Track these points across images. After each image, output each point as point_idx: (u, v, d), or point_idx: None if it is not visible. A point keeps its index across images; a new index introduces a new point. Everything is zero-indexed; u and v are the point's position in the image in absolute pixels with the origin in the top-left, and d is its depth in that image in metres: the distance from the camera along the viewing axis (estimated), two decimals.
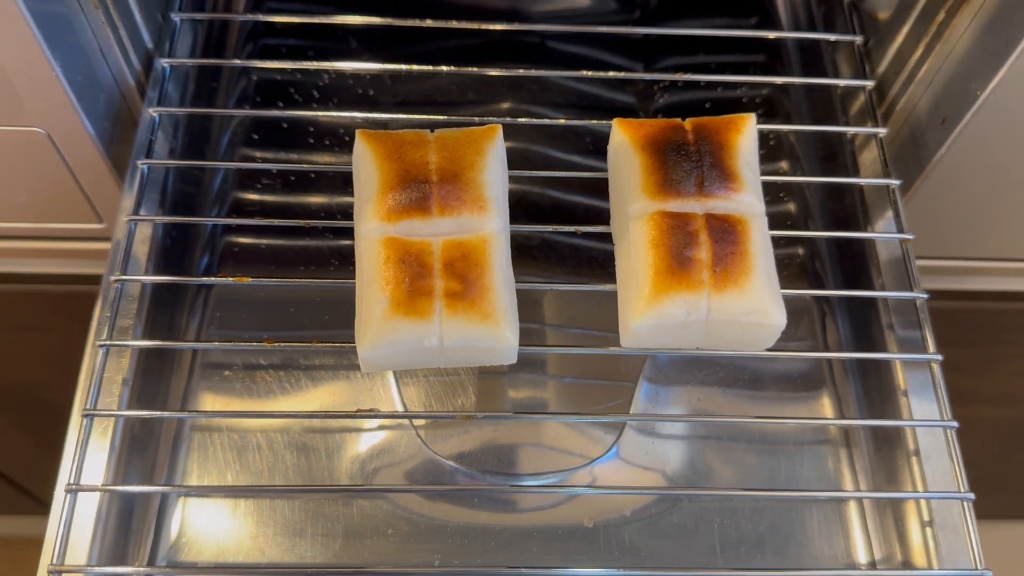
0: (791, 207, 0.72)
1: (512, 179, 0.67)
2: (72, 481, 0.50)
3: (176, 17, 0.64)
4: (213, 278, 0.62)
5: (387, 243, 0.50)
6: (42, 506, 1.27)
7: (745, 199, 0.53)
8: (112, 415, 0.52)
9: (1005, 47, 0.54)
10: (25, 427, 1.03)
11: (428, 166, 0.52)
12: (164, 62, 0.62)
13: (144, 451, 0.58)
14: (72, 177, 0.64)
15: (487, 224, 0.51)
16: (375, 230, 0.50)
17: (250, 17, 0.67)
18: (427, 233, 0.50)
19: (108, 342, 0.53)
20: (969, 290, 0.77)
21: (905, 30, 0.63)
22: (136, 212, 0.57)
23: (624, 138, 0.55)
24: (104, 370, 0.53)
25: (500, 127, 0.54)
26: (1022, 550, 1.35)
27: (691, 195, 0.52)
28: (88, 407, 0.52)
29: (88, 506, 0.51)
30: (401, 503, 0.58)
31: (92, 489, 0.50)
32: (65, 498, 0.49)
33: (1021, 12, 0.53)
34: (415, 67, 0.63)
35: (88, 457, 0.51)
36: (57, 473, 0.51)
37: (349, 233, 0.54)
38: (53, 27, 0.54)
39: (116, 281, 0.55)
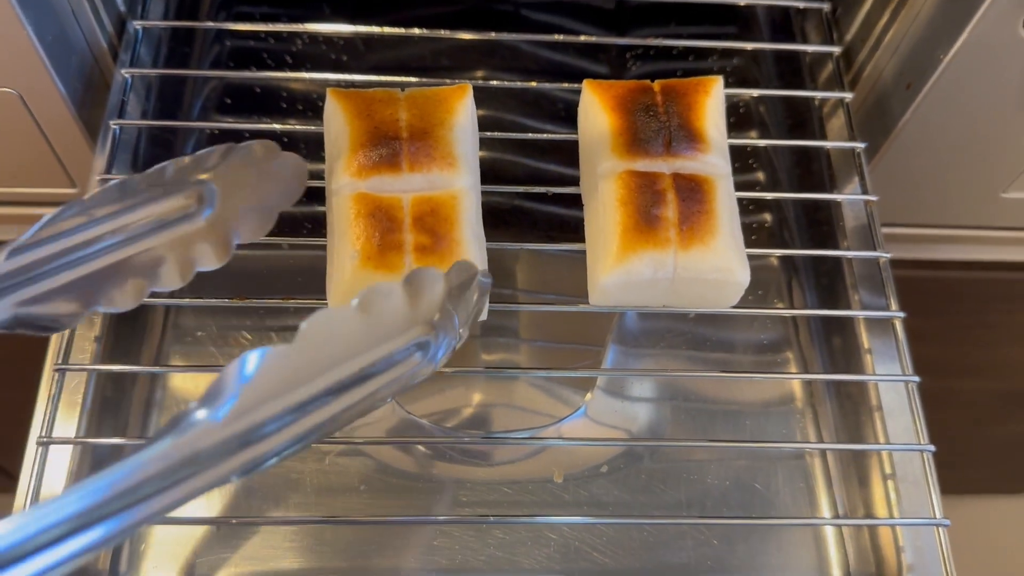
0: (760, 175, 0.73)
1: (485, 146, 0.68)
2: (43, 434, 0.50)
3: None
4: None
5: (357, 198, 0.50)
6: (13, 480, 1.26)
7: (712, 160, 0.54)
8: (84, 369, 0.53)
9: (965, 14, 0.55)
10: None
11: (398, 123, 0.52)
12: (137, 24, 0.62)
13: (116, 412, 0.58)
14: (45, 140, 0.64)
15: (456, 180, 0.51)
16: (346, 186, 0.51)
17: None
18: (397, 189, 0.51)
19: None
20: (933, 259, 0.78)
21: None
22: (108, 172, 0.57)
23: (594, 99, 0.55)
24: (76, 328, 0.53)
25: (470, 86, 0.54)
26: (986, 525, 1.37)
27: (659, 155, 0.53)
28: (59, 362, 0.52)
29: (59, 461, 0.51)
30: (373, 459, 0.59)
31: (64, 442, 0.51)
32: (37, 451, 0.50)
33: None
34: (387, 29, 0.63)
35: (59, 417, 0.52)
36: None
37: (322, 198, 0.54)
38: None
39: None
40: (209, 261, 0.49)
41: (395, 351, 0.40)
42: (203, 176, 0.49)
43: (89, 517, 0.32)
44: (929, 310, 0.84)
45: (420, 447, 0.60)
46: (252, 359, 0.36)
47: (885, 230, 0.62)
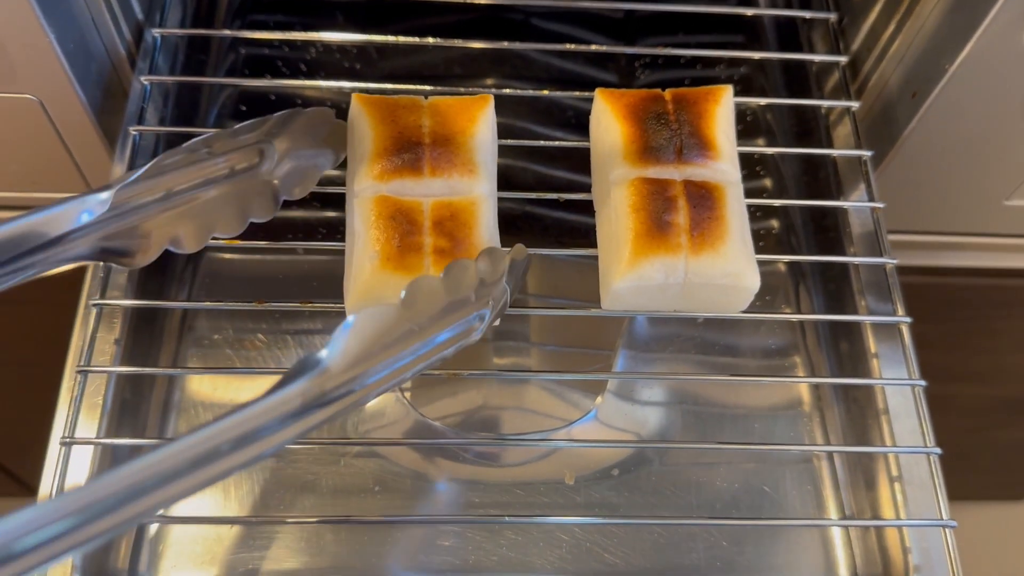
0: (767, 182, 0.74)
1: (498, 153, 0.69)
2: (66, 434, 0.51)
3: None
4: None
5: (379, 201, 0.51)
6: (26, 488, 1.27)
7: (722, 167, 0.55)
8: (105, 371, 0.53)
9: (971, 24, 0.56)
10: (15, 404, 1.04)
11: (421, 129, 0.53)
12: (155, 32, 0.63)
13: (135, 415, 0.59)
14: (63, 145, 0.65)
15: (476, 187, 0.53)
16: (367, 189, 0.52)
17: None
18: (418, 193, 0.52)
19: (100, 301, 0.54)
20: (938, 266, 0.79)
21: (878, 8, 0.65)
22: None
23: (606, 107, 0.56)
24: (97, 330, 0.54)
25: (492, 97, 0.56)
26: (989, 530, 1.38)
27: (670, 162, 0.54)
28: (81, 364, 0.53)
29: (81, 462, 0.52)
30: (388, 461, 0.60)
31: (86, 442, 0.51)
32: (60, 451, 0.51)
33: None
34: (401, 38, 0.64)
35: (80, 418, 0.53)
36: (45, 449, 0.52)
37: (337, 204, 0.55)
38: None
39: None
40: (261, 213, 0.54)
41: (468, 318, 0.47)
42: (265, 136, 0.53)
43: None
44: (933, 316, 0.85)
45: (433, 449, 0.60)
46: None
47: (890, 237, 0.63)
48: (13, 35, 0.56)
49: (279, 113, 0.54)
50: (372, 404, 0.62)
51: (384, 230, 0.51)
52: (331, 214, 0.69)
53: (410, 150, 0.52)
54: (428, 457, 0.60)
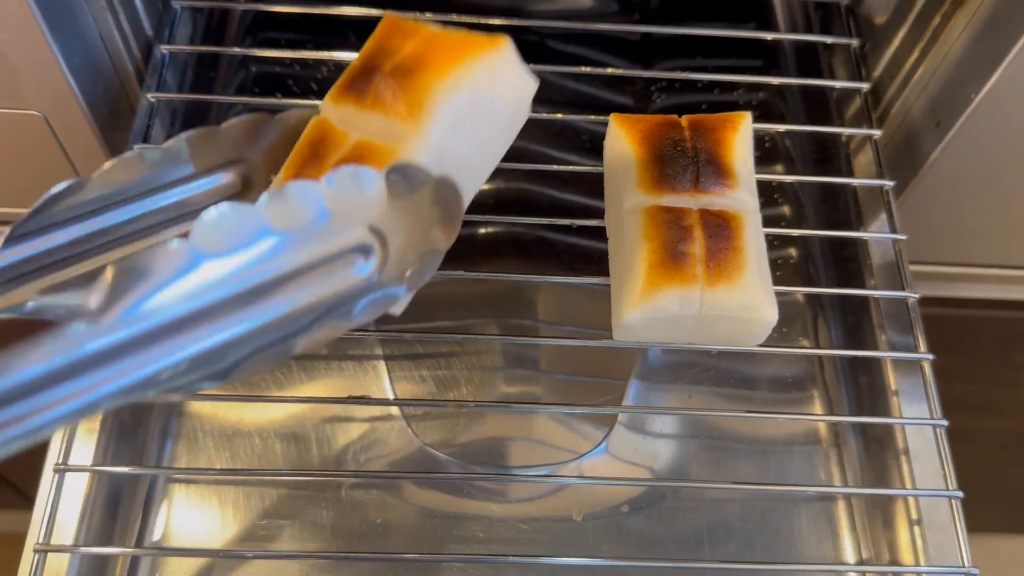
0: (786, 209, 0.72)
1: (510, 176, 0.67)
2: (60, 461, 0.50)
3: (176, 5, 0.64)
4: None
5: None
6: (27, 500, 1.26)
7: (739, 196, 0.53)
8: None
9: (998, 53, 0.55)
10: None
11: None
12: (163, 48, 0.62)
13: (132, 438, 0.57)
14: (68, 162, 0.64)
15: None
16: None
17: (251, 6, 0.68)
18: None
19: None
20: (960, 297, 0.77)
21: (901, 34, 0.64)
22: None
23: (620, 133, 0.55)
24: None
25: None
26: (1007, 562, 1.35)
27: (686, 190, 0.53)
28: None
29: (76, 488, 0.51)
30: (390, 492, 0.58)
31: (81, 469, 0.50)
32: (53, 478, 0.49)
33: (1013, 19, 0.54)
34: None
35: (76, 443, 0.51)
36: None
37: None
38: (55, 11, 0.54)
39: None
40: None
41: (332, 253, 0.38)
42: (238, 153, 0.47)
43: None
44: (952, 348, 0.83)
45: (437, 481, 0.59)
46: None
47: (911, 267, 0.61)
48: (19, 51, 0.55)
49: (238, 121, 0.47)
50: (373, 430, 0.60)
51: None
52: None
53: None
54: (432, 490, 0.58)
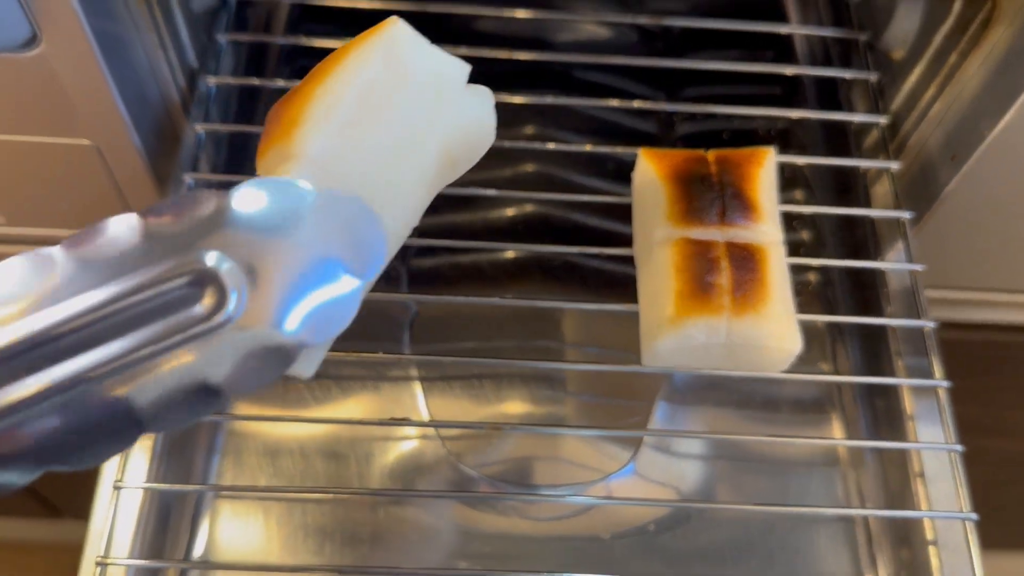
0: (805, 235, 0.74)
1: (536, 201, 0.70)
2: (118, 478, 0.52)
3: (222, 39, 0.67)
4: None
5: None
6: (51, 509, 1.28)
7: (764, 228, 0.55)
8: None
9: (1012, 91, 0.57)
10: None
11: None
12: (211, 81, 0.65)
13: (181, 454, 0.60)
14: (115, 187, 0.66)
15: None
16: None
17: (290, 40, 0.70)
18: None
19: None
20: (976, 321, 0.79)
21: (918, 70, 0.66)
22: None
23: (650, 168, 0.57)
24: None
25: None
26: None
27: (713, 224, 0.55)
28: None
29: (130, 503, 0.53)
30: (425, 509, 0.60)
31: (137, 487, 0.53)
32: (112, 495, 0.52)
33: None
34: None
35: (130, 461, 0.54)
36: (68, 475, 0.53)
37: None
38: (112, 47, 0.56)
39: None
40: None
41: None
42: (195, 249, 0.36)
43: None
44: (969, 369, 0.85)
45: (470, 499, 0.61)
46: None
47: (927, 292, 0.63)
48: (77, 84, 0.57)
49: (182, 201, 0.35)
50: (409, 449, 0.63)
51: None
52: None
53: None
54: (465, 507, 0.61)
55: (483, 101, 0.46)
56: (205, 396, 0.32)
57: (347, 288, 0.34)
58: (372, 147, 0.39)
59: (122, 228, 0.31)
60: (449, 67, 0.43)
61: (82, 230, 0.31)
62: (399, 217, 0.41)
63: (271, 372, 0.33)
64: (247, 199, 0.33)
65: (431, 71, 0.41)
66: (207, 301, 0.32)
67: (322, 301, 0.34)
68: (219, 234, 0.32)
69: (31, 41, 0.53)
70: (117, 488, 0.52)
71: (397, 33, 0.40)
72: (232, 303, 0.32)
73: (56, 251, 0.30)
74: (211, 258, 0.32)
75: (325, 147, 0.38)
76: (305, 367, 0.37)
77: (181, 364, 0.31)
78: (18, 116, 0.60)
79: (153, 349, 0.31)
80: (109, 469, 0.53)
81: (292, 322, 0.33)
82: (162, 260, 0.31)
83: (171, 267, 0.31)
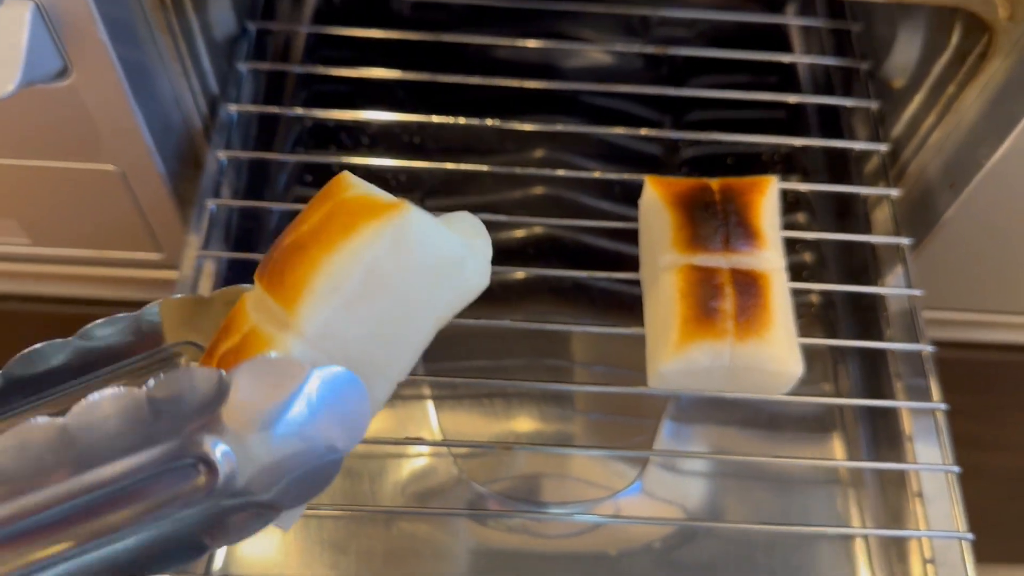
0: (808, 257, 0.76)
1: (545, 224, 0.72)
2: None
3: (243, 67, 0.69)
4: None
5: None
6: None
7: (767, 255, 0.57)
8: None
9: (1009, 121, 0.59)
10: None
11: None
12: (232, 108, 0.67)
13: None
14: (139, 211, 0.69)
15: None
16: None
17: (308, 69, 0.72)
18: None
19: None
20: (974, 341, 0.81)
21: (918, 99, 0.68)
22: (205, 248, 0.61)
23: (655, 195, 0.59)
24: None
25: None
26: None
27: (718, 250, 0.57)
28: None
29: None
30: (436, 526, 0.62)
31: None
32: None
33: None
34: (461, 120, 0.67)
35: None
36: None
37: None
38: (138, 76, 0.59)
39: None
40: None
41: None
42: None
43: None
44: (967, 388, 0.86)
45: (481, 516, 0.63)
46: None
47: (926, 313, 0.65)
48: (104, 112, 0.59)
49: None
50: (421, 466, 0.65)
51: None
52: None
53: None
54: (475, 523, 0.63)
55: (480, 258, 0.46)
56: (189, 550, 0.35)
57: (330, 459, 0.37)
58: (372, 324, 0.41)
59: (127, 404, 0.33)
60: (456, 249, 0.43)
61: (86, 401, 0.33)
62: (393, 377, 0.43)
63: (252, 529, 0.36)
64: (246, 379, 0.35)
65: (437, 255, 0.42)
66: (201, 480, 0.34)
67: (306, 470, 0.36)
68: (216, 415, 0.35)
69: (62, 72, 0.55)
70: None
71: (411, 219, 0.40)
72: (223, 478, 0.35)
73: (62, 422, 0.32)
74: (208, 442, 0.34)
75: (327, 325, 0.39)
76: (284, 523, 0.40)
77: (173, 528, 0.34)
78: (47, 142, 0.62)
79: (147, 519, 0.34)
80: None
81: (277, 490, 0.36)
82: (163, 441, 0.34)
83: (171, 449, 0.34)
